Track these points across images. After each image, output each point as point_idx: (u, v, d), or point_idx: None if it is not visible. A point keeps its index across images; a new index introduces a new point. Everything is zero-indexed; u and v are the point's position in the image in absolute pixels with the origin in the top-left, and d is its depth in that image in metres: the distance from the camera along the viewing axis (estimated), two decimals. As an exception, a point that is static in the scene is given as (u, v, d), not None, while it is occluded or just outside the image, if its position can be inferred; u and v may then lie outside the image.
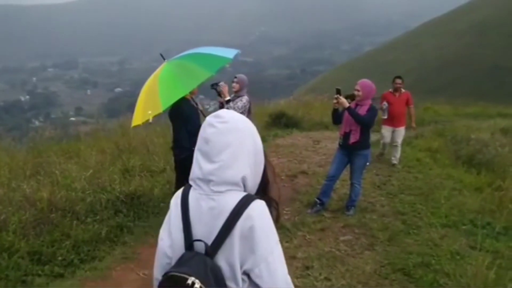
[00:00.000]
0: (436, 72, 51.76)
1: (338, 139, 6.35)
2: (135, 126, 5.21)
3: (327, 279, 4.58)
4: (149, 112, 4.82)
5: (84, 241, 5.07)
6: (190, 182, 1.86)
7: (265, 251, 1.73)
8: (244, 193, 1.80)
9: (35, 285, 4.38)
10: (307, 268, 4.75)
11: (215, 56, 5.44)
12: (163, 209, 6.24)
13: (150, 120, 4.98)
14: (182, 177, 5.39)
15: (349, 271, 4.73)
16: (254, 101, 14.05)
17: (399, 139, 9.10)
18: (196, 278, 1.68)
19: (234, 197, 1.78)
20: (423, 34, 67.20)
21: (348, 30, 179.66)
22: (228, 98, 6.38)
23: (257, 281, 1.74)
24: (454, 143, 10.81)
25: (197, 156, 1.85)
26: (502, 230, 5.71)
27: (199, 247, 1.77)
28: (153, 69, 5.41)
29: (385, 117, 8.92)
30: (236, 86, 6.64)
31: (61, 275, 4.59)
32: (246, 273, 1.75)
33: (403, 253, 5.12)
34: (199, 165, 1.81)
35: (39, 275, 4.50)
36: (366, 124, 5.98)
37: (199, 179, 1.81)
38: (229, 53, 5.49)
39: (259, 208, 1.78)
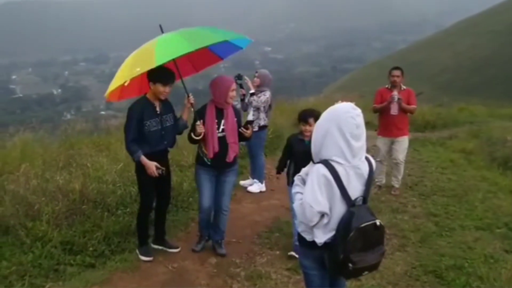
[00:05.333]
0: (471, 72, 50.64)
1: (204, 160, 4.75)
2: (110, 95, 4.36)
3: (356, 279, 4.51)
4: (138, 69, 4.06)
5: (115, 232, 5.13)
6: (330, 161, 2.71)
7: None
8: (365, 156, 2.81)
9: (67, 274, 4.45)
10: (337, 267, 4.69)
11: (223, 31, 4.68)
12: (192, 204, 6.26)
13: (127, 82, 4.14)
14: None
15: (379, 272, 4.64)
16: (283, 99, 14.11)
17: (401, 155, 7.07)
18: (376, 219, 2.70)
19: (365, 162, 2.79)
20: (457, 33, 65.77)
21: (379, 28, 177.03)
22: (252, 91, 6.65)
23: None
24: (490, 144, 10.57)
25: (346, 138, 2.67)
26: (538, 235, 5.57)
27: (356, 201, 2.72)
28: None
29: (395, 113, 6.87)
30: (257, 80, 6.81)
31: (92, 266, 4.66)
32: None
33: (435, 255, 5.05)
34: (348, 144, 2.68)
35: (71, 265, 4.58)
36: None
37: (347, 155, 2.68)
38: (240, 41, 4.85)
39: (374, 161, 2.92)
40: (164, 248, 5.06)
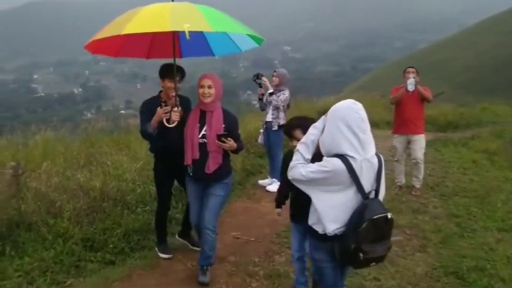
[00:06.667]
0: (494, 71, 49.60)
1: (187, 168, 4.24)
2: (129, 34, 3.85)
3: (376, 279, 4.51)
4: (187, 25, 3.62)
5: (135, 230, 5.18)
6: (347, 153, 2.77)
7: None
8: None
9: (88, 270, 4.51)
10: (356, 267, 4.65)
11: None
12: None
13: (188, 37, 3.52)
14: None
15: (399, 272, 4.64)
16: (302, 98, 14.09)
17: (420, 153, 6.95)
18: (388, 212, 2.83)
19: (374, 156, 2.89)
20: (480, 32, 64.56)
21: (400, 27, 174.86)
22: (271, 90, 6.61)
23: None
24: (514, 144, 10.36)
25: (354, 132, 2.78)
26: (562, 236, 5.46)
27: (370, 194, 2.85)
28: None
29: (412, 89, 6.69)
30: (275, 80, 6.80)
31: (112, 262, 4.71)
32: None
33: (456, 256, 4.98)
34: (358, 138, 2.79)
35: (92, 261, 4.64)
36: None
37: (358, 148, 2.78)
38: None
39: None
40: (187, 244, 5.06)
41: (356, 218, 2.79)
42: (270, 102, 6.72)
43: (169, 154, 4.49)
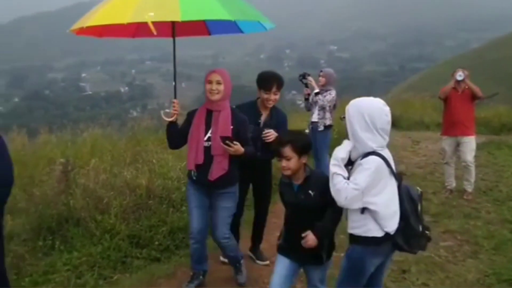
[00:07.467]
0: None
1: (191, 173, 3.99)
2: (91, 27, 3.87)
3: (424, 284, 4.41)
4: (151, 14, 3.26)
5: (179, 228, 5.20)
6: (376, 149, 2.87)
7: None
8: None
9: (134, 266, 4.59)
10: (404, 271, 4.59)
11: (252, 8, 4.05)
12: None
13: (153, 30, 3.20)
14: None
15: (449, 278, 4.51)
16: (349, 98, 13.90)
17: (469, 156, 6.71)
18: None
19: None
20: (538, 30, 61.73)
21: (452, 25, 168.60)
22: (317, 90, 6.54)
23: None
24: None
25: (385, 129, 2.92)
26: None
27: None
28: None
29: (461, 77, 6.63)
30: (322, 80, 6.73)
31: (158, 259, 4.78)
32: None
33: (510, 263, 4.80)
34: (384, 139, 2.92)
35: (138, 258, 4.71)
36: None
37: (384, 144, 2.92)
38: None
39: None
40: (253, 257, 4.89)
41: (409, 202, 2.95)
42: (316, 102, 6.64)
43: (248, 163, 4.12)
